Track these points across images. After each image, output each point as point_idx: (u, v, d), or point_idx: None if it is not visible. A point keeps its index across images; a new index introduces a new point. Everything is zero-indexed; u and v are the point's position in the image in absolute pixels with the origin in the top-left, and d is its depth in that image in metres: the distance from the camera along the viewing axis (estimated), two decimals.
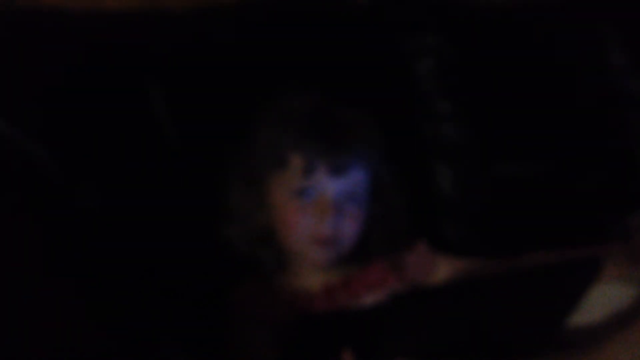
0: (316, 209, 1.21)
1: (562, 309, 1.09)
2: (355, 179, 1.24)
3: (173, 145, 1.32)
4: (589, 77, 1.64)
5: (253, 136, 1.26)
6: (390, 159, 1.31)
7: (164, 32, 1.40)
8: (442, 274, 1.29)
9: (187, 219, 1.28)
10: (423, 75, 1.56)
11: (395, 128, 1.46)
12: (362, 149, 1.24)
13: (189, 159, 1.32)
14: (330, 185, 1.22)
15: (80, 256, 1.16)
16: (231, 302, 1.23)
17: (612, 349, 1.05)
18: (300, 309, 1.21)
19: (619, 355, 1.05)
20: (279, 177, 1.23)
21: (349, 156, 1.23)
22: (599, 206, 1.53)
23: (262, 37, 1.45)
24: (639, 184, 1.57)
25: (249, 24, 1.47)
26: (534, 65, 1.61)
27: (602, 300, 1.11)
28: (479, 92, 1.57)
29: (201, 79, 1.37)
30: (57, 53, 1.30)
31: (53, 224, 1.17)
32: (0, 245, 1.09)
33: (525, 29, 1.63)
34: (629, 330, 1.06)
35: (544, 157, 1.55)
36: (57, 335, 1.04)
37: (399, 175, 1.34)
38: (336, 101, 1.28)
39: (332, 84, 1.44)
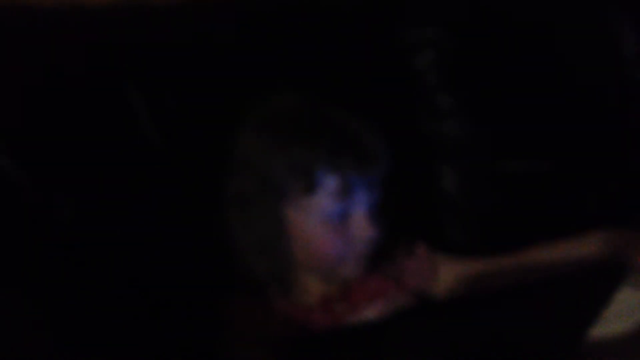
0: (355, 230, 1.12)
1: (582, 320, 1.00)
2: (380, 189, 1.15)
3: (157, 150, 1.25)
4: (598, 68, 1.61)
5: (254, 153, 1.13)
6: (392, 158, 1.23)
7: (146, 28, 1.34)
8: (444, 279, 1.22)
9: (173, 229, 1.21)
10: (423, 69, 1.51)
11: (395, 125, 1.41)
12: (384, 157, 1.14)
13: (174, 164, 1.25)
14: (364, 201, 1.12)
15: (56, 270, 1.09)
16: (223, 317, 1.15)
17: None
18: (297, 323, 1.13)
19: None
20: (307, 202, 1.11)
21: (381, 167, 1.13)
22: (608, 203, 1.48)
23: (253, 33, 1.39)
24: None
25: (238, 19, 1.41)
26: (538, 57, 1.57)
27: (624, 309, 1.03)
28: (481, 86, 1.53)
29: (186, 77, 1.30)
30: (30, 52, 1.24)
31: (27, 236, 1.10)
32: None
33: (529, 20, 1.58)
34: None
35: (550, 153, 1.51)
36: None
37: (400, 175, 1.26)
38: (333, 102, 1.19)
39: (328, 80, 1.39)
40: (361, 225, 1.12)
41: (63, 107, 1.21)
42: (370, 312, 1.14)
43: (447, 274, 1.21)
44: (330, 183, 1.10)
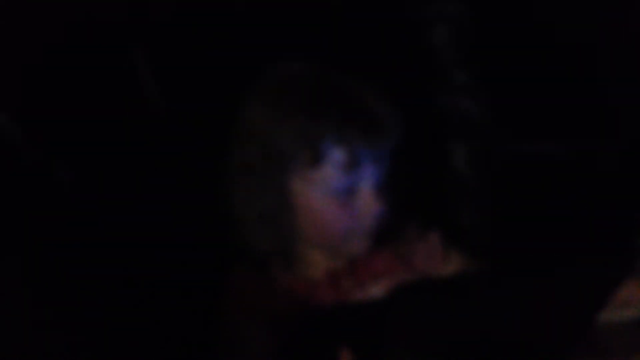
0: (361, 205, 1.09)
1: (591, 305, 0.99)
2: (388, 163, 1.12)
3: (161, 117, 1.24)
4: (615, 48, 1.56)
5: (260, 123, 1.10)
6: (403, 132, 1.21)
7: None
8: (453, 267, 1.19)
9: (175, 201, 1.20)
10: (439, 44, 1.49)
11: (408, 99, 1.39)
12: (394, 130, 1.10)
13: (178, 131, 1.24)
14: (372, 175, 1.09)
15: (58, 236, 1.08)
16: (224, 292, 1.13)
17: None
18: (301, 298, 1.11)
19: None
20: (312, 174, 1.08)
21: (390, 140, 1.10)
22: (622, 189, 1.46)
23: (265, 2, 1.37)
24: None
25: None
26: (556, 36, 1.55)
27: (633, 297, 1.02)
28: (497, 63, 1.50)
29: (193, 43, 1.29)
30: (36, 15, 1.22)
31: (28, 199, 1.09)
32: None
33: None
34: None
35: (564, 134, 1.49)
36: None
37: (411, 150, 1.24)
38: (344, 73, 1.16)
39: (342, 51, 1.37)
40: (368, 200, 1.10)
41: (68, 70, 1.20)
42: (377, 289, 1.12)
43: (453, 266, 1.17)
44: (336, 155, 1.08)
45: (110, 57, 1.22)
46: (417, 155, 1.31)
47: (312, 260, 1.14)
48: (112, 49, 1.23)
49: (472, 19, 1.51)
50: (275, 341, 1.05)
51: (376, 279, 1.13)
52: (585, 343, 0.98)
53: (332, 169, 1.08)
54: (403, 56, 1.46)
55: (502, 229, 1.34)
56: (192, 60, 1.27)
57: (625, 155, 1.51)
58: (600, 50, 1.55)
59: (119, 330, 1.07)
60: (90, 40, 1.23)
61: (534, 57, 1.52)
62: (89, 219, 1.12)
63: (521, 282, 1.03)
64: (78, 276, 1.08)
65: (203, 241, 1.18)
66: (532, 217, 1.41)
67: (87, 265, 1.09)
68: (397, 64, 1.44)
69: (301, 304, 1.10)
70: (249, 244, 1.13)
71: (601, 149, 1.50)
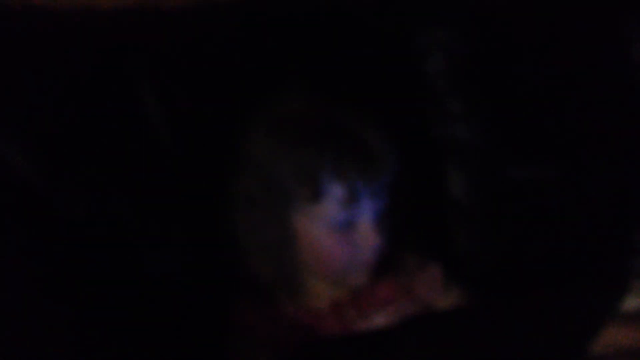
0: (360, 238, 1.12)
1: (588, 329, 1.01)
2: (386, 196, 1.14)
3: (167, 151, 1.25)
4: (609, 75, 1.59)
5: (262, 157, 1.13)
6: (401, 163, 1.23)
7: (159, 31, 1.34)
8: (453, 298, 1.21)
9: (181, 230, 1.21)
10: (434, 73, 1.50)
11: (405, 129, 1.41)
12: (391, 164, 1.14)
13: (185, 167, 1.25)
14: (370, 209, 1.12)
15: (67, 268, 1.10)
16: (231, 322, 1.15)
17: None
18: (306, 328, 1.13)
19: None
20: (312, 209, 1.11)
21: (386, 175, 1.13)
22: (618, 212, 1.47)
23: (262, 35, 1.39)
24: None
25: (248, 22, 1.41)
26: (550, 62, 1.56)
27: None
28: (492, 91, 1.51)
29: (196, 79, 1.30)
30: (45, 54, 1.24)
31: (37, 234, 1.11)
32: None
33: (542, 24, 1.57)
34: None
35: (560, 160, 1.50)
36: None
37: (409, 180, 1.26)
38: (342, 105, 1.19)
39: (338, 82, 1.39)
40: (367, 233, 1.12)
41: (77, 107, 1.21)
42: (380, 319, 1.14)
43: (453, 298, 1.21)
44: (335, 191, 1.10)
45: (117, 89, 1.24)
46: (415, 184, 1.33)
47: (316, 291, 1.16)
48: (118, 81, 1.25)
49: (466, 47, 1.53)
50: None
51: (379, 309, 1.15)
52: None
53: (331, 203, 1.11)
54: (398, 86, 1.47)
55: (502, 256, 1.36)
56: (196, 93, 1.28)
57: (620, 178, 1.53)
58: (598, 72, 1.57)
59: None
60: (96, 71, 1.25)
61: (529, 83, 1.55)
62: (97, 252, 1.14)
63: (520, 309, 1.06)
64: (85, 312, 1.09)
65: (209, 272, 1.20)
66: (531, 242, 1.43)
67: (95, 302, 1.11)
68: (392, 93, 1.45)
69: (305, 334, 1.12)
70: (254, 275, 1.15)
71: (596, 172, 1.51)
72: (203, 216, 1.21)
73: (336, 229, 1.12)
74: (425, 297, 1.17)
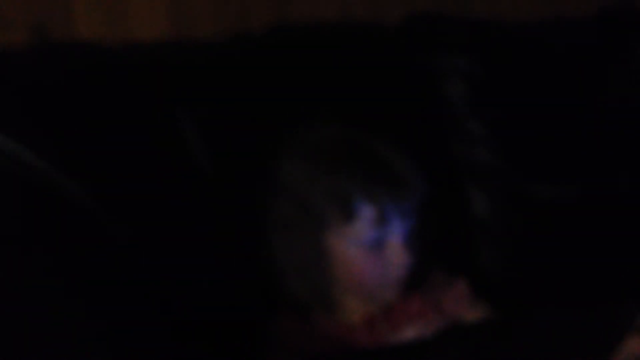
0: (390, 256, 1.19)
1: (610, 342, 1.07)
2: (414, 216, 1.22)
3: (206, 175, 1.31)
4: (624, 94, 1.62)
5: (296, 182, 1.21)
6: (427, 187, 1.29)
7: (194, 60, 1.40)
8: (480, 313, 1.28)
9: (221, 251, 1.27)
10: (454, 97, 1.55)
11: (428, 152, 1.46)
12: (418, 186, 1.21)
13: (223, 190, 1.31)
14: (399, 229, 1.20)
15: (112, 291, 1.15)
16: (269, 336, 1.22)
17: None
18: (340, 342, 1.20)
19: None
20: (345, 229, 1.18)
21: (415, 196, 1.20)
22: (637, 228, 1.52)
23: (292, 63, 1.45)
24: None
25: (279, 51, 1.47)
26: (566, 84, 1.60)
27: None
28: (512, 113, 1.57)
29: (234, 107, 1.37)
30: (90, 85, 1.30)
31: (88, 256, 1.15)
32: (29, 276, 1.08)
33: (557, 48, 1.63)
34: None
35: (580, 179, 1.55)
36: None
37: (433, 200, 1.32)
38: (369, 130, 1.26)
39: (362, 107, 1.44)
40: (397, 251, 1.19)
41: (122, 135, 1.27)
42: (411, 332, 1.21)
43: (479, 313, 1.27)
44: (367, 212, 1.18)
45: (159, 118, 1.31)
46: (441, 204, 1.39)
47: (349, 307, 1.23)
48: (160, 110, 1.31)
49: (484, 70, 1.58)
50: None
51: (409, 323, 1.22)
52: None
53: (363, 224, 1.18)
54: (421, 111, 1.52)
55: (525, 272, 1.41)
56: (234, 121, 1.34)
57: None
58: (614, 92, 1.60)
59: None
60: (139, 103, 1.31)
61: (547, 104, 1.58)
62: (141, 271, 1.20)
63: (544, 323, 1.11)
64: (125, 330, 1.14)
65: (249, 290, 1.26)
66: (552, 258, 1.48)
67: (137, 318, 1.16)
68: (415, 118, 1.49)
69: (339, 346, 1.18)
70: (290, 293, 1.22)
71: (623, 190, 1.55)
72: (243, 238, 1.27)
73: (368, 248, 1.19)
74: (453, 311, 1.24)
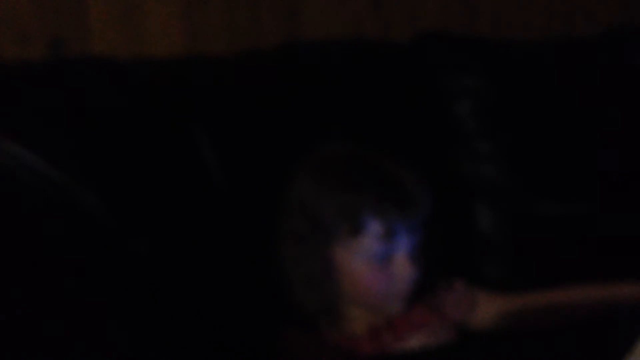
0: (397, 270, 1.22)
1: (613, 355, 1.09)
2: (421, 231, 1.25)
3: (221, 189, 1.33)
4: (630, 113, 1.64)
5: (307, 197, 1.23)
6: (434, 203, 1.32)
7: (208, 76, 1.43)
8: (484, 312, 1.31)
9: (232, 264, 1.30)
10: (462, 115, 1.58)
11: (435, 168, 1.49)
12: (426, 202, 1.24)
13: (237, 203, 1.33)
14: (406, 244, 1.22)
15: (129, 301, 1.17)
16: (280, 348, 1.25)
17: None
18: (346, 352, 1.22)
19: None
20: (353, 243, 1.21)
21: (422, 212, 1.23)
22: None
23: (303, 80, 1.48)
24: None
25: (290, 68, 1.49)
26: (572, 103, 1.62)
27: None
28: (519, 131, 1.59)
29: (247, 123, 1.40)
30: (106, 101, 1.32)
31: (107, 268, 1.18)
32: (50, 287, 1.11)
33: (563, 67, 1.65)
34: None
35: (586, 197, 1.57)
36: None
37: (441, 216, 1.35)
38: (378, 147, 1.30)
39: (371, 124, 1.48)
40: (403, 265, 1.22)
41: (137, 150, 1.30)
42: (415, 342, 1.24)
43: (486, 309, 1.30)
44: (375, 227, 1.21)
45: (175, 135, 1.33)
46: (447, 218, 1.41)
47: (355, 318, 1.26)
48: (175, 126, 1.34)
49: (491, 89, 1.61)
50: None
51: (413, 333, 1.24)
52: None
53: (370, 239, 1.21)
54: (429, 129, 1.54)
55: (527, 285, 1.43)
56: (247, 136, 1.38)
57: None
58: (619, 110, 1.63)
59: None
60: (154, 117, 1.33)
61: (554, 122, 1.61)
62: (155, 282, 1.22)
63: (546, 338, 1.13)
64: (137, 340, 1.16)
65: (259, 301, 1.28)
66: (556, 275, 1.49)
67: (149, 329, 1.18)
68: (423, 136, 1.52)
69: (346, 356, 1.21)
70: (299, 305, 1.25)
71: (629, 208, 1.56)
72: (253, 251, 1.30)
73: (375, 262, 1.22)
74: (454, 315, 1.27)
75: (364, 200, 1.20)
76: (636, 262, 1.47)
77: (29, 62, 1.40)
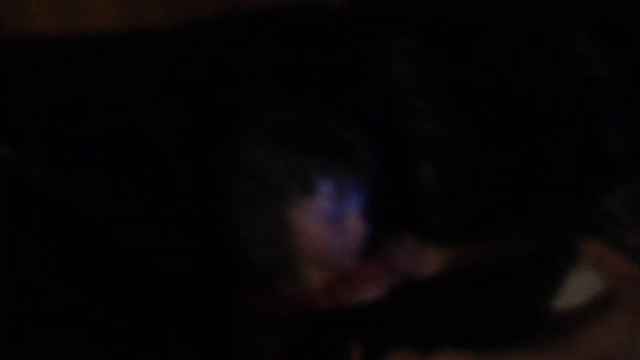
0: (349, 226, 1.26)
1: (543, 295, 1.16)
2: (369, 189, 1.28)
3: (171, 158, 1.36)
4: (559, 66, 1.69)
5: (258, 161, 1.26)
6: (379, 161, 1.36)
7: (148, 49, 1.45)
8: (432, 263, 1.35)
9: (186, 229, 1.33)
10: (400, 75, 1.62)
11: (377, 127, 1.53)
12: (372, 160, 1.28)
13: (185, 170, 1.36)
14: (357, 202, 1.26)
15: (84, 264, 1.20)
16: (237, 305, 1.28)
17: (598, 334, 1.12)
18: (302, 307, 1.26)
19: (604, 339, 1.12)
20: (306, 203, 1.25)
21: (370, 172, 1.27)
22: (574, 191, 1.60)
23: (243, 47, 1.50)
24: (611, 167, 1.63)
25: (229, 36, 1.52)
26: (506, 59, 1.67)
27: (579, 286, 1.18)
28: (455, 89, 1.64)
29: (193, 92, 1.42)
30: (53, 77, 1.34)
31: (61, 236, 1.21)
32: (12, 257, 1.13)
33: (497, 26, 1.69)
34: (612, 314, 1.13)
35: (519, 147, 1.62)
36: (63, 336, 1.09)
37: (386, 174, 1.39)
38: (320, 110, 1.33)
39: (312, 87, 1.51)
40: (355, 222, 1.27)
41: (81, 124, 1.32)
42: (368, 295, 1.28)
43: (431, 262, 1.35)
44: (326, 187, 1.25)
45: (119, 105, 1.36)
46: (391, 176, 1.46)
47: (310, 274, 1.30)
48: (120, 96, 1.36)
49: (427, 48, 1.65)
50: (283, 344, 1.21)
51: (366, 286, 1.29)
52: (541, 327, 1.14)
53: (322, 198, 1.25)
54: (369, 90, 1.57)
55: (470, 232, 1.49)
56: (195, 108, 1.40)
57: (581, 160, 1.63)
58: (550, 65, 1.66)
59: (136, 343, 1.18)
60: (97, 91, 1.35)
61: (486, 80, 1.64)
62: (112, 247, 1.25)
63: (485, 277, 1.20)
64: (96, 304, 1.18)
65: (215, 263, 1.32)
66: (495, 220, 1.55)
67: (106, 290, 1.20)
68: (364, 97, 1.55)
69: (302, 311, 1.25)
70: (255, 264, 1.29)
71: (558, 156, 1.62)
72: (206, 216, 1.33)
73: (327, 220, 1.26)
74: (405, 267, 1.32)
75: (314, 161, 1.24)
76: (569, 208, 1.53)
77: None
